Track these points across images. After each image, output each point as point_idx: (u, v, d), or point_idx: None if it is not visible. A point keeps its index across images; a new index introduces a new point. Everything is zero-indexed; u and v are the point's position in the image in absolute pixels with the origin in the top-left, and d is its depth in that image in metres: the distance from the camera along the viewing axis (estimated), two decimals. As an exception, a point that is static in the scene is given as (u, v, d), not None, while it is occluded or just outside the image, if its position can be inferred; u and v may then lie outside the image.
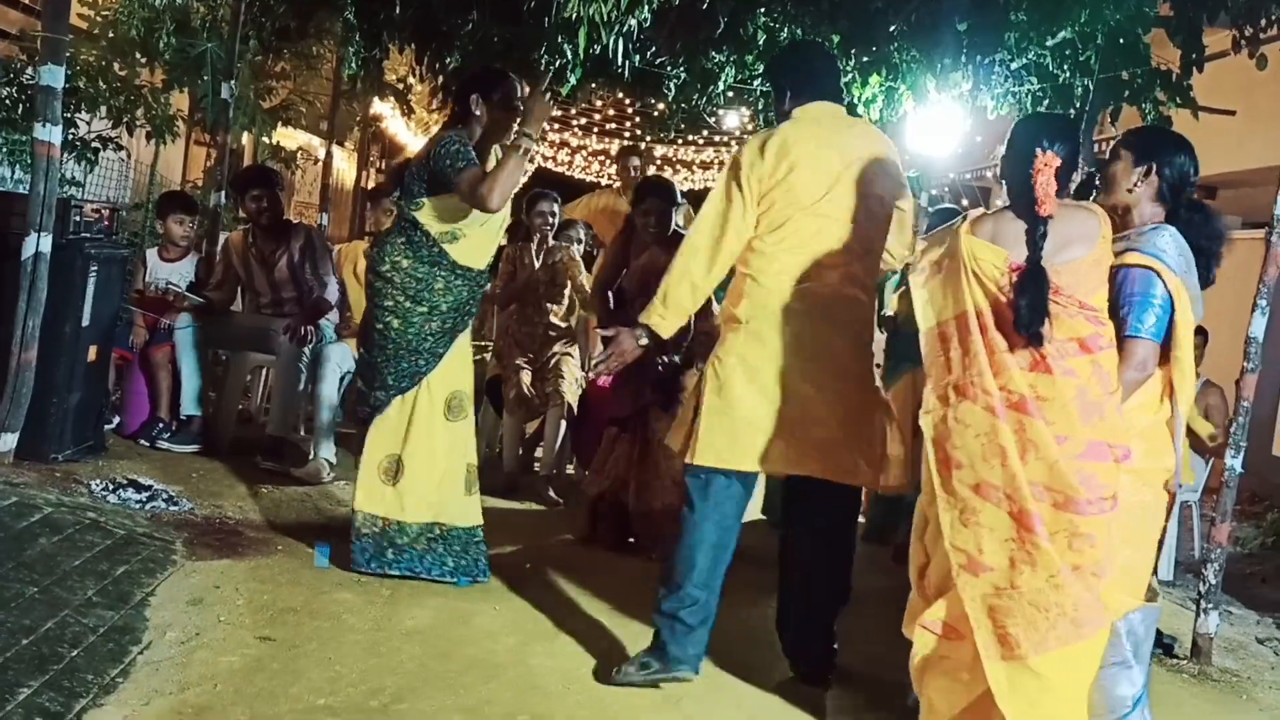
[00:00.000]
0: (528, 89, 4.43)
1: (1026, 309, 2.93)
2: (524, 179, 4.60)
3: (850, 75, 7.58)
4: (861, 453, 3.72)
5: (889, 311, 6.21)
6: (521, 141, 4.20)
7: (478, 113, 4.33)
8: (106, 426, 5.66)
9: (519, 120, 4.33)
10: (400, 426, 4.34)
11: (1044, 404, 2.94)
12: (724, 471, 3.63)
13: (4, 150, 7.30)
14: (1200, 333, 5.92)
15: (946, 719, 3.07)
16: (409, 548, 4.32)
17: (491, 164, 4.29)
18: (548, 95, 4.42)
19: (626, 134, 13.61)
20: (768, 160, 3.63)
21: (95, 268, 5.16)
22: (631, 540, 5.27)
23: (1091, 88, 6.51)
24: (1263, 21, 5.61)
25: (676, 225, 5.54)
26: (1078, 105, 6.76)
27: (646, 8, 5.96)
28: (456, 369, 4.43)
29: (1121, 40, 6.28)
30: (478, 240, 4.37)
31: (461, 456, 4.44)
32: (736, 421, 3.62)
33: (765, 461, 3.63)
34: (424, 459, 4.34)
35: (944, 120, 8.43)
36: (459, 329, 4.40)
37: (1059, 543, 2.93)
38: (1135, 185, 3.23)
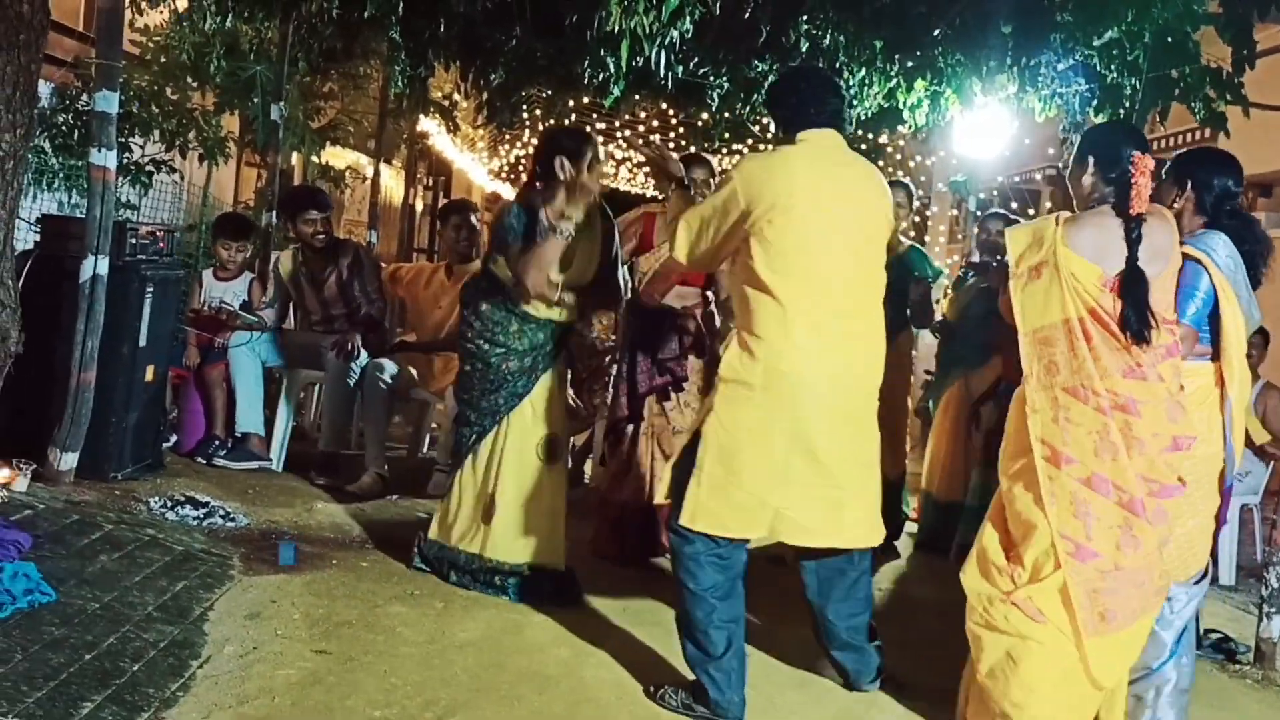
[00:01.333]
0: (569, 168, 4.31)
1: (1133, 313, 3.18)
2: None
3: (895, 81, 7.55)
4: (865, 510, 3.66)
5: (941, 317, 6.16)
6: (562, 228, 4.29)
7: (563, 176, 4.32)
8: (164, 445, 5.75)
9: (563, 203, 4.33)
10: (490, 465, 4.40)
11: (1143, 405, 3.21)
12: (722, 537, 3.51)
13: (61, 175, 7.46)
14: (1261, 334, 5.85)
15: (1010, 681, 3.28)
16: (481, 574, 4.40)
17: (564, 227, 4.32)
18: (591, 170, 4.34)
19: (671, 145, 13.63)
20: (771, 183, 3.47)
21: (151, 289, 5.25)
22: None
23: (1140, 87, 6.44)
24: (1316, 16, 5.52)
25: None
26: (1126, 105, 6.69)
27: (688, 19, 5.98)
28: (547, 412, 4.44)
29: (1170, 38, 6.19)
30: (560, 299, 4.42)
31: (552, 499, 4.44)
32: (741, 491, 3.47)
33: (769, 530, 3.52)
34: (515, 498, 4.37)
35: (990, 123, 8.37)
36: (539, 369, 4.42)
37: (1156, 524, 3.23)
38: (1174, 202, 3.58)
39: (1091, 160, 3.40)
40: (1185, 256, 3.36)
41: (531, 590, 4.33)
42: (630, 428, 5.13)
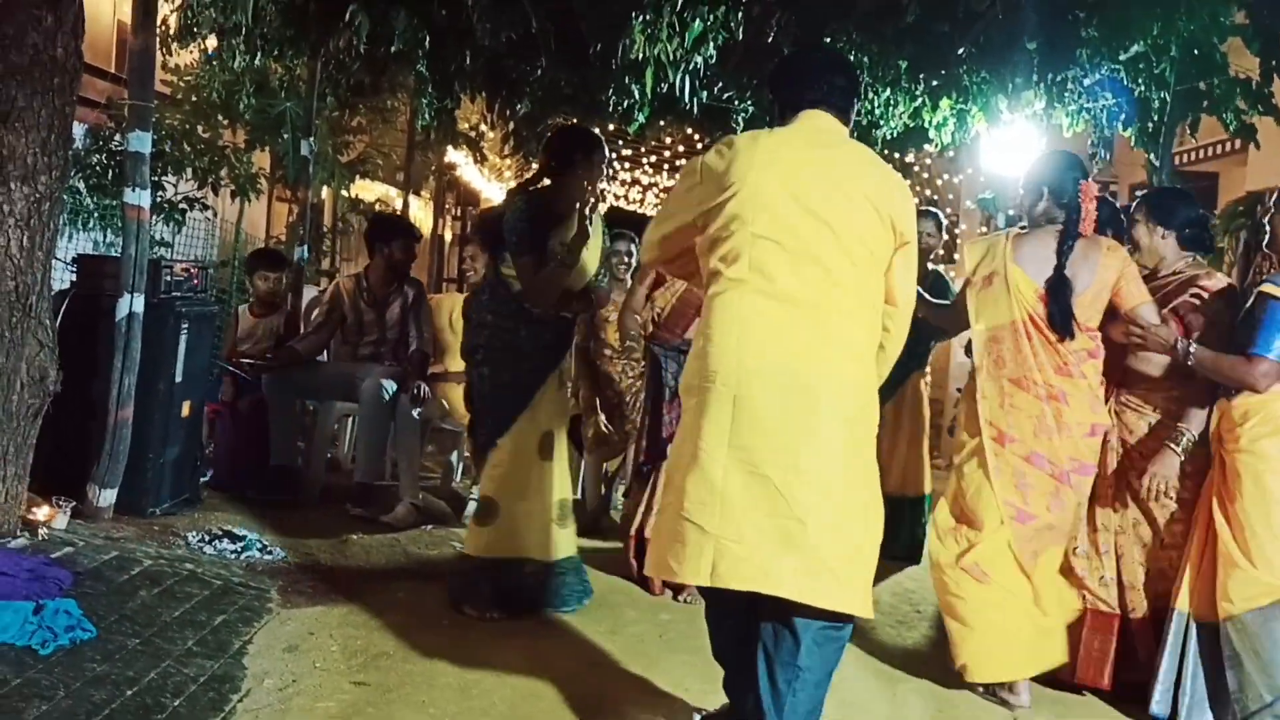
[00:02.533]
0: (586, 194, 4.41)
1: (1057, 312, 3.79)
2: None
3: (920, 100, 7.55)
4: (838, 564, 2.87)
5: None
6: (567, 259, 4.34)
7: (580, 171, 4.40)
8: (201, 479, 5.80)
9: (569, 239, 4.37)
10: (500, 469, 4.44)
11: (1070, 397, 3.81)
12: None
13: (96, 215, 7.56)
14: None
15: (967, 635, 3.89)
16: (504, 587, 4.41)
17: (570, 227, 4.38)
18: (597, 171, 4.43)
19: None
20: (734, 160, 2.98)
21: (186, 325, 5.30)
22: None
23: (1169, 100, 6.41)
24: (1344, 24, 5.49)
25: None
26: (1155, 118, 6.66)
27: (711, 45, 6.02)
28: (549, 410, 4.49)
29: (1197, 51, 6.17)
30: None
31: (555, 493, 4.50)
32: (684, 523, 2.90)
33: (717, 575, 2.87)
34: (516, 498, 4.43)
35: (1018, 140, 8.34)
36: (549, 369, 4.49)
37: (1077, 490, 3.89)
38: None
39: (1045, 189, 3.97)
40: (1266, 296, 3.62)
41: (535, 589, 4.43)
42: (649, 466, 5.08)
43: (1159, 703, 3.74)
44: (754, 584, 2.83)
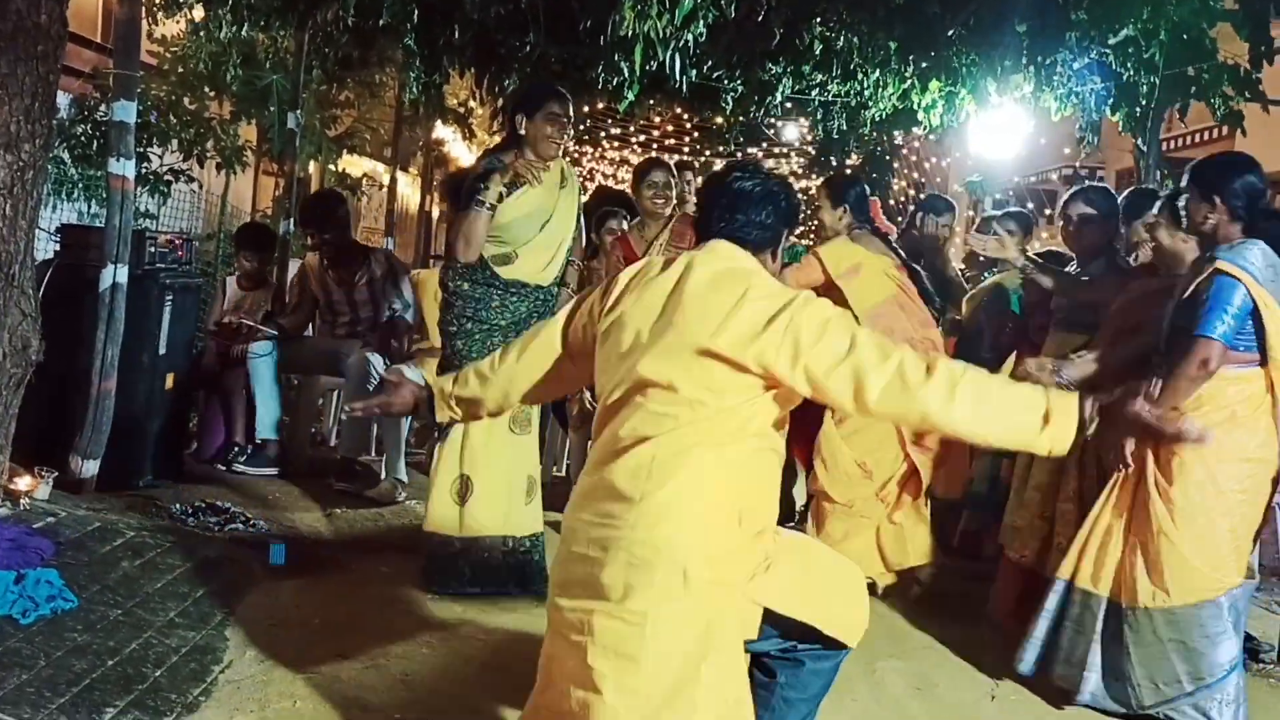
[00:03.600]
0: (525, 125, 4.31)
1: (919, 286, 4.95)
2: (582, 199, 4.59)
3: (910, 82, 7.56)
4: None
5: (954, 318, 6.12)
6: (480, 200, 4.21)
7: (523, 132, 4.34)
8: (185, 452, 5.79)
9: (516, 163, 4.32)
10: (469, 445, 4.37)
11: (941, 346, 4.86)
12: None
13: (80, 185, 7.51)
14: None
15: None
16: (482, 565, 4.37)
17: (532, 190, 4.34)
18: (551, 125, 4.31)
19: (685, 149, 13.65)
20: None
21: (170, 297, 5.28)
22: None
23: (1157, 85, 6.41)
24: (1333, 11, 5.50)
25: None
26: (1143, 103, 6.66)
27: (702, 23, 5.99)
28: None
29: (1186, 36, 6.17)
30: (531, 259, 4.39)
31: (523, 468, 4.46)
32: None
33: None
34: (490, 474, 4.37)
35: (1006, 123, 8.36)
36: None
37: None
38: (1207, 218, 3.60)
39: (845, 208, 4.95)
40: (1218, 271, 3.43)
41: (506, 570, 4.37)
42: None
43: (1027, 663, 3.79)
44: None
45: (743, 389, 2.41)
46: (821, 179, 5.46)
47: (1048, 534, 4.23)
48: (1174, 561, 3.55)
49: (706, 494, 2.39)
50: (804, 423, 5.71)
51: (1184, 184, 3.72)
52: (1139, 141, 6.76)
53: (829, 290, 4.93)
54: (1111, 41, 6.24)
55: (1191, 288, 3.53)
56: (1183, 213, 3.73)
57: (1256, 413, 3.52)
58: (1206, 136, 17.19)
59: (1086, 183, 5.78)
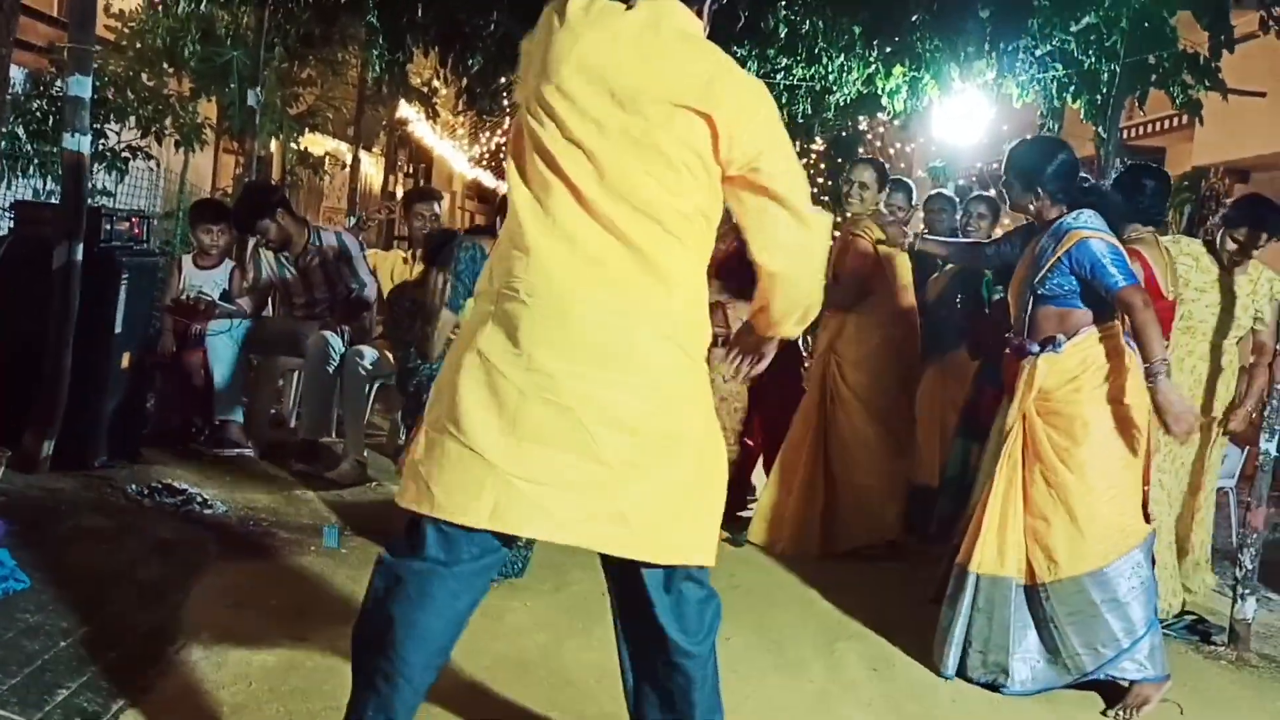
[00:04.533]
0: None
1: None
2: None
3: (874, 66, 7.58)
4: (652, 509, 2.41)
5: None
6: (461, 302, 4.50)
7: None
8: (142, 431, 5.72)
9: None
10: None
11: None
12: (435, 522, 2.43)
13: (36, 161, 7.40)
14: None
15: None
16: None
17: None
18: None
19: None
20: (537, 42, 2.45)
21: (127, 275, 5.21)
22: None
23: (1117, 73, 6.47)
24: (1291, 1, 5.56)
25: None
26: (1104, 91, 6.72)
27: (667, 4, 5.96)
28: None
29: (1147, 24, 6.23)
30: None
31: None
32: (460, 448, 2.38)
33: (498, 517, 2.37)
34: None
35: (969, 109, 8.41)
36: None
37: None
38: (1029, 206, 3.96)
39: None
40: (1080, 238, 3.69)
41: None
42: None
43: (949, 665, 3.83)
44: (544, 532, 2.41)
45: None
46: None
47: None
48: (1096, 523, 3.66)
49: None
50: (765, 413, 5.77)
51: (1002, 172, 4.02)
52: (1099, 129, 6.82)
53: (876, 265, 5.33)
54: (1073, 29, 6.30)
55: (1049, 260, 3.73)
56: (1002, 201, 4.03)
57: (1130, 357, 3.69)
58: (1166, 125, 17.36)
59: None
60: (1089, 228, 3.68)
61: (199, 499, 4.90)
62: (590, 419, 2.35)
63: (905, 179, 6.44)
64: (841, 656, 3.98)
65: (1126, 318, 3.65)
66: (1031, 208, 3.91)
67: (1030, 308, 3.81)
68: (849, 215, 5.70)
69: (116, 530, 4.25)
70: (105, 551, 4.02)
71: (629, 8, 2.38)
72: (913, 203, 6.07)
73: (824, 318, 5.32)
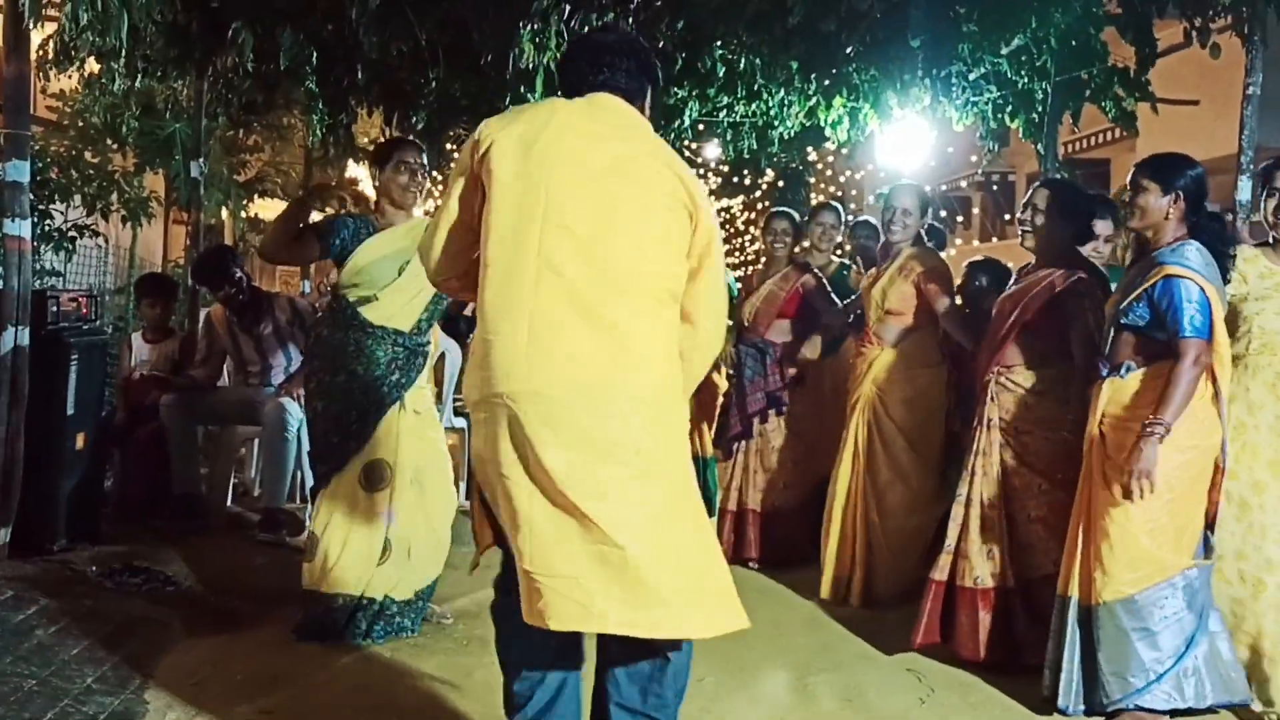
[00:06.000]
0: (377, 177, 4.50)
1: None
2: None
3: (814, 99, 7.67)
4: (670, 586, 2.53)
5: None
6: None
7: (377, 184, 4.49)
8: (100, 511, 5.65)
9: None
10: (324, 501, 4.29)
11: None
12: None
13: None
14: None
15: None
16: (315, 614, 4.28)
17: (387, 234, 4.40)
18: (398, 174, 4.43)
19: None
20: (502, 127, 2.69)
21: (76, 356, 5.16)
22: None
23: (1050, 91, 6.58)
24: (1210, 12, 5.67)
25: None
26: (1040, 109, 6.83)
27: (602, 51, 6.02)
28: (382, 439, 4.27)
29: (1074, 42, 6.35)
30: (391, 300, 4.32)
31: (381, 529, 4.28)
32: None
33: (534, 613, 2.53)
34: (338, 533, 4.24)
35: (912, 135, 8.50)
36: (386, 402, 4.29)
37: None
38: (1168, 214, 3.72)
39: None
40: (1167, 275, 3.59)
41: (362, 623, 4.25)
42: (739, 444, 5.79)
43: (1063, 693, 3.72)
44: (579, 624, 2.52)
45: None
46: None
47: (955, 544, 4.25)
48: (1130, 549, 3.61)
49: None
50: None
51: (1133, 179, 3.81)
52: (1038, 146, 6.93)
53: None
54: (1004, 51, 6.41)
55: (1138, 290, 3.66)
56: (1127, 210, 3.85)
57: (1199, 401, 3.61)
58: (1108, 137, 17.69)
59: (994, 187, 5.92)
60: (1185, 265, 3.59)
61: (161, 576, 4.85)
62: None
63: (833, 202, 6.58)
64: (814, 690, 3.96)
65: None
66: (1169, 216, 3.71)
67: (1114, 332, 3.77)
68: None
69: (77, 615, 4.19)
70: (66, 636, 3.96)
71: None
72: (842, 222, 6.15)
73: (861, 351, 5.18)
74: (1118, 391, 3.72)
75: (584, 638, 2.78)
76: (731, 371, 6.17)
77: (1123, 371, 3.72)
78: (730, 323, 5.26)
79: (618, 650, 2.66)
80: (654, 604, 2.47)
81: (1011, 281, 4.44)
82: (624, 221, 2.59)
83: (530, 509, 2.50)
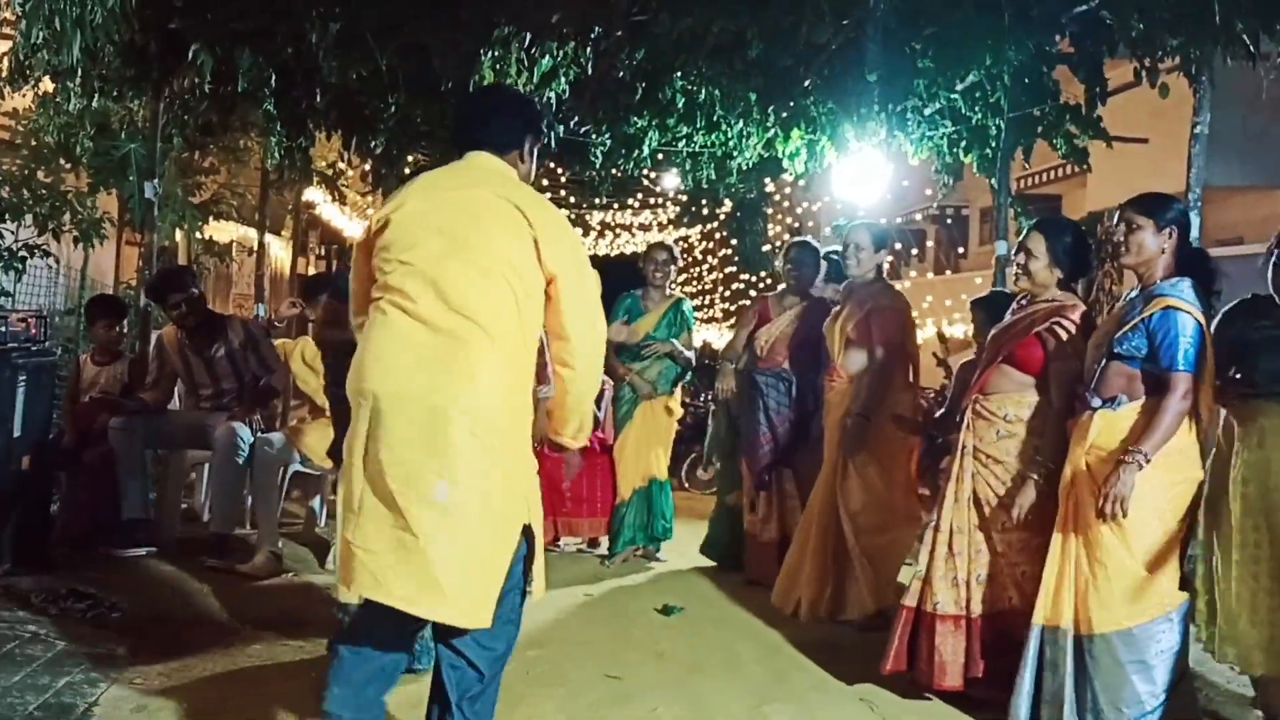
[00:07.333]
0: None
1: None
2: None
3: (772, 131, 7.74)
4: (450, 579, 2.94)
5: None
6: None
7: None
8: (48, 536, 5.55)
9: None
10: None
11: None
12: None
13: (-77, 269, 7.23)
14: None
15: None
16: None
17: None
18: None
19: (561, 204, 13.73)
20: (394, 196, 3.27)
21: (24, 377, 5.10)
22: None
23: (1003, 127, 6.68)
24: (1159, 53, 5.79)
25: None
26: (993, 145, 6.94)
27: (563, 80, 6.07)
28: None
29: (1027, 79, 6.46)
30: None
31: None
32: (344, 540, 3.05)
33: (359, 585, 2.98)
34: None
35: (868, 168, 8.58)
36: None
37: None
38: (1162, 249, 3.76)
39: None
40: (1169, 307, 3.62)
41: None
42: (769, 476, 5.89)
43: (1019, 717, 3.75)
44: (369, 591, 2.95)
45: None
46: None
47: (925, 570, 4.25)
48: (1130, 581, 3.63)
49: None
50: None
51: (1125, 217, 3.85)
52: (991, 181, 7.03)
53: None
54: (959, 87, 6.50)
55: (1134, 320, 3.68)
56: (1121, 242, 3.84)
57: (1185, 434, 3.65)
58: (1061, 173, 17.97)
59: (949, 220, 5.99)
60: (1183, 299, 3.63)
61: (107, 602, 4.76)
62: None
63: (665, 242, 6.87)
64: (769, 718, 3.96)
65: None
66: (1164, 251, 3.75)
67: (1104, 362, 3.76)
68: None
69: (21, 641, 4.12)
70: (7, 664, 3.88)
71: None
72: (676, 260, 6.44)
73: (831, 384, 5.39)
74: (1110, 424, 3.71)
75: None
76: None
77: (1115, 404, 3.71)
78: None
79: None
80: (433, 591, 2.92)
81: (1009, 311, 4.40)
82: (463, 252, 3.04)
83: (361, 490, 2.98)
